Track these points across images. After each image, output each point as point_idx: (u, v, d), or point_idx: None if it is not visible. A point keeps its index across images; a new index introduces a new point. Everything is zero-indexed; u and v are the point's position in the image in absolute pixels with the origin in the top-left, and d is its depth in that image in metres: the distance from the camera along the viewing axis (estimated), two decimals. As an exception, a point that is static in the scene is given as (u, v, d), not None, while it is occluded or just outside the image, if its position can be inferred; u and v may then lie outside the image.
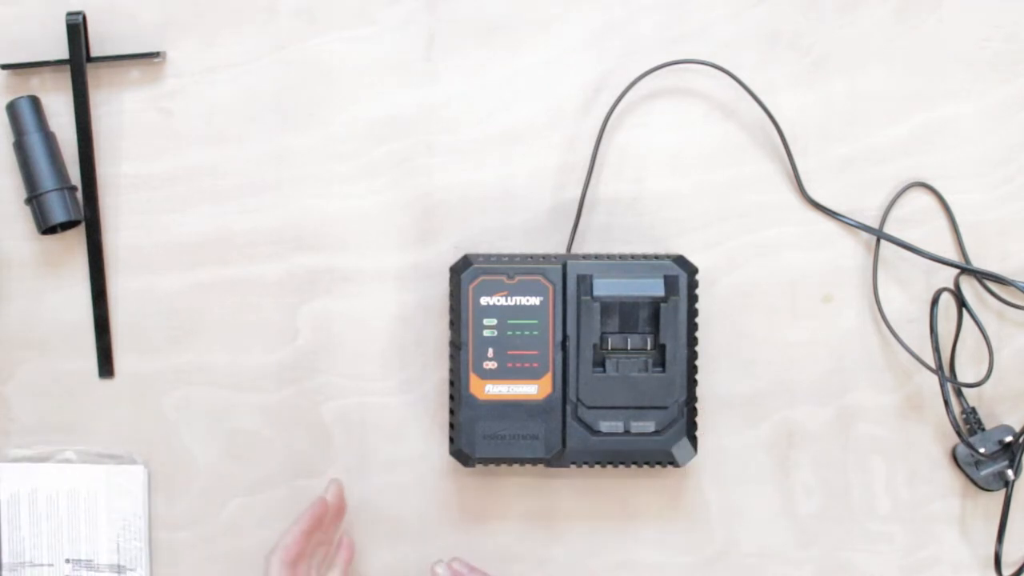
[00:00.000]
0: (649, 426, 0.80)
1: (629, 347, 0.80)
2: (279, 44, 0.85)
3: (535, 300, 0.80)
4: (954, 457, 0.85)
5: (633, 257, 0.81)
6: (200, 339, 0.86)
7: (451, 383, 0.81)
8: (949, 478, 0.85)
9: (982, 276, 0.84)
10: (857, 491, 0.85)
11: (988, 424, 0.84)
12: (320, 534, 0.81)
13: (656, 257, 0.81)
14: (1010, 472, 0.83)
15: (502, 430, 0.80)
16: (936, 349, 0.84)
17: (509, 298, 0.80)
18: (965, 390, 0.84)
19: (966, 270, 0.84)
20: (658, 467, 0.81)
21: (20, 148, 0.83)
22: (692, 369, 0.81)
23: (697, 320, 0.81)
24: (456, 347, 0.80)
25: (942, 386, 0.84)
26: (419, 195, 0.85)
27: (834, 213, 0.85)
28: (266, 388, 0.86)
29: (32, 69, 0.85)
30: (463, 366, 0.80)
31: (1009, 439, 0.83)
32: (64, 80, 0.84)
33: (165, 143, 0.86)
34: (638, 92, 0.85)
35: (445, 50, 0.85)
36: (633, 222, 0.85)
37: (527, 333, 0.80)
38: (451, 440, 0.81)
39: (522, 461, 0.81)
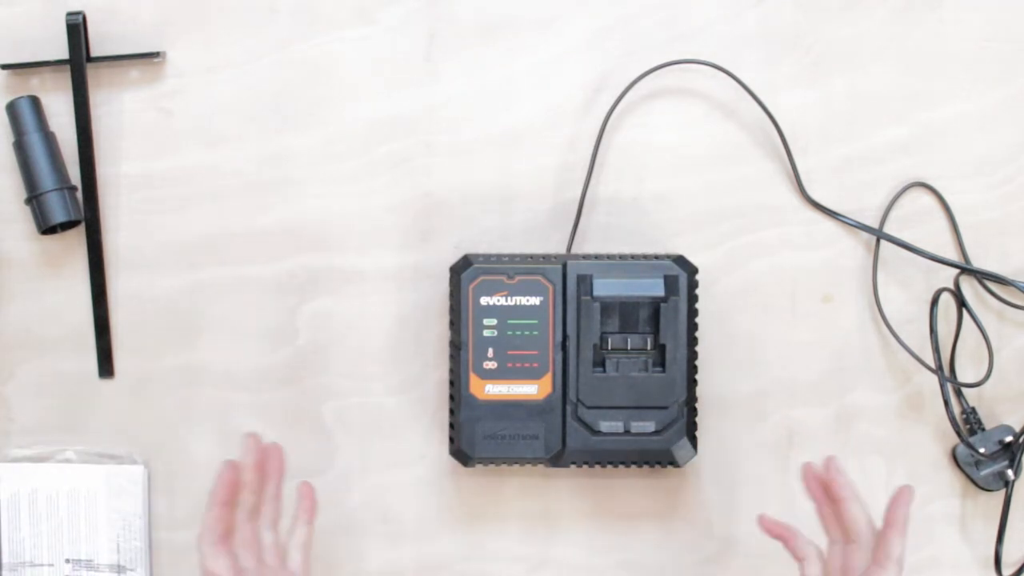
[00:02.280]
0: (649, 426, 0.80)
1: (629, 347, 0.80)
2: (279, 44, 0.85)
3: (535, 300, 0.80)
4: (954, 457, 0.85)
5: (633, 257, 0.81)
6: (200, 339, 0.86)
7: (451, 383, 0.81)
8: (949, 478, 0.85)
9: (982, 276, 0.84)
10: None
11: (988, 424, 0.84)
12: (249, 496, 0.74)
13: (656, 257, 0.81)
14: (1010, 472, 0.83)
15: (502, 430, 0.80)
16: (936, 349, 0.84)
17: (509, 298, 0.80)
18: (965, 390, 0.84)
19: (966, 270, 0.84)
20: (658, 467, 0.81)
21: (20, 148, 0.83)
22: (692, 369, 0.81)
23: (697, 320, 0.81)
24: (456, 347, 0.80)
25: (942, 386, 0.84)
26: (419, 195, 0.85)
27: (834, 213, 0.85)
28: (266, 388, 0.86)
29: (32, 69, 0.85)
30: (463, 366, 0.80)
31: (1009, 439, 0.83)
32: (64, 80, 0.84)
33: (165, 143, 0.86)
34: (638, 92, 0.85)
35: (445, 50, 0.85)
36: (633, 222, 0.85)
37: (527, 333, 0.80)
38: (451, 440, 0.81)
39: (522, 461, 0.81)
